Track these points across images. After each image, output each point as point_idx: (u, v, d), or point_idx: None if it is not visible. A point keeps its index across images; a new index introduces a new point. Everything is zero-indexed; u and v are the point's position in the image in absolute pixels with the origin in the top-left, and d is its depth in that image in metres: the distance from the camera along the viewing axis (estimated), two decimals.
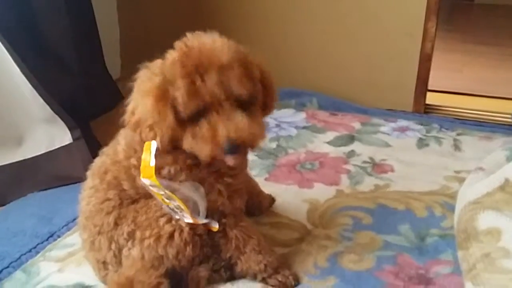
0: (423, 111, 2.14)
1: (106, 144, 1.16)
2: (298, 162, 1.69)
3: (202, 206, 1.04)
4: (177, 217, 1.06)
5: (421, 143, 1.80)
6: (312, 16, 2.19)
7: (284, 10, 2.22)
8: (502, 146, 1.53)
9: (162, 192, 0.99)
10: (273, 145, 1.81)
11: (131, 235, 1.06)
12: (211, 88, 0.92)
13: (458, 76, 2.66)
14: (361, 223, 1.34)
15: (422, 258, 1.20)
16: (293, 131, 1.91)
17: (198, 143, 0.96)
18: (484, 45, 3.29)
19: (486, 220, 1.18)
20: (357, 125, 1.95)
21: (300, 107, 2.15)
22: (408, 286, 1.12)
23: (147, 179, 0.96)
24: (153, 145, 0.97)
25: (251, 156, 1.43)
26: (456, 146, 1.76)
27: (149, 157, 0.96)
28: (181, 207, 1.01)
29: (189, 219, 1.04)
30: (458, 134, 1.85)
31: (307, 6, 2.18)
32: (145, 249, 1.05)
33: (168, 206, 1.04)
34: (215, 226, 1.08)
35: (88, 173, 1.15)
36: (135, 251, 1.06)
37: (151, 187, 0.98)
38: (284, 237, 1.29)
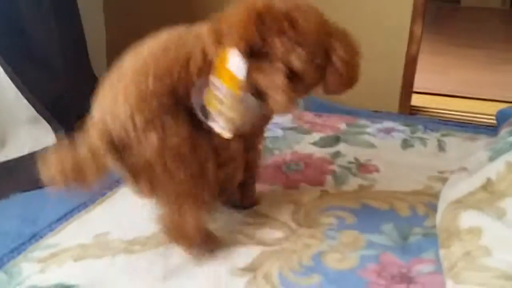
0: (408, 112, 2.16)
1: None
2: (284, 163, 1.69)
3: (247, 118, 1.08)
4: (209, 122, 1.07)
5: (406, 144, 1.81)
6: None
7: None
8: (485, 146, 1.54)
9: (221, 96, 1.02)
10: None
11: None
12: None
13: (444, 78, 2.68)
14: (345, 222, 1.35)
15: (405, 257, 1.21)
16: (279, 132, 1.91)
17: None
18: (469, 47, 3.32)
19: (468, 219, 1.19)
20: (342, 126, 1.96)
21: None
22: (390, 285, 1.12)
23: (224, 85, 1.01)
24: (236, 55, 0.99)
25: None
26: (440, 147, 1.78)
27: (234, 67, 1.00)
28: (225, 113, 1.03)
29: (221, 129, 1.06)
30: (442, 135, 1.86)
31: None
32: None
33: (212, 108, 1.05)
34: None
35: None
36: None
37: (214, 85, 1.02)
38: (269, 236, 1.29)
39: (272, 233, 1.31)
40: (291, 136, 1.89)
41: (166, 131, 1.04)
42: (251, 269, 1.18)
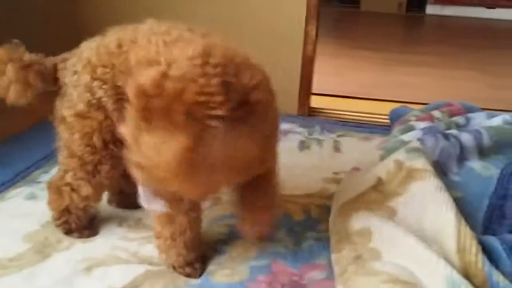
0: (307, 114, 2.13)
1: None
2: None
3: None
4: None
5: (303, 146, 1.77)
6: (192, 19, 2.11)
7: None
8: (377, 145, 1.54)
9: None
10: None
11: None
12: None
13: (342, 80, 2.70)
14: (236, 231, 1.27)
15: (297, 264, 1.16)
16: None
17: None
18: (367, 50, 3.40)
19: (358, 220, 1.16)
20: None
21: None
22: None
23: None
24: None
25: None
26: (336, 148, 1.76)
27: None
28: None
29: None
30: (338, 136, 1.85)
31: (190, 8, 2.10)
32: None
33: None
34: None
35: None
36: None
37: None
38: (156, 254, 1.17)
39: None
40: None
41: None
42: None
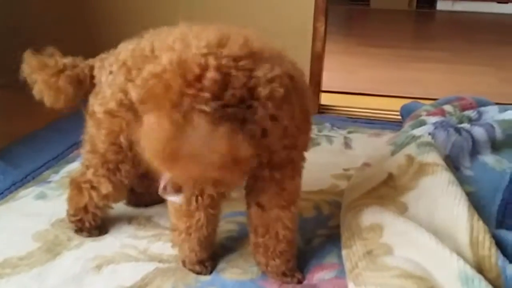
0: (317, 111, 2.12)
1: None
2: None
3: None
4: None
5: (313, 142, 1.76)
6: (202, 15, 2.11)
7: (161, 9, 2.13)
8: (388, 141, 1.52)
9: None
10: None
11: None
12: None
13: (353, 77, 2.69)
14: (246, 229, 1.25)
15: (307, 262, 1.14)
16: None
17: None
18: (377, 47, 3.38)
19: (369, 216, 1.14)
20: None
21: None
22: None
23: None
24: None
25: None
26: (347, 144, 1.75)
27: None
28: None
29: None
30: (349, 132, 1.84)
31: (198, 5, 2.10)
32: None
33: None
34: None
35: None
36: None
37: None
38: (166, 251, 1.18)
39: (167, 248, 1.18)
40: None
41: None
42: (140, 286, 1.06)
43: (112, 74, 1.09)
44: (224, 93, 0.73)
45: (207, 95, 0.72)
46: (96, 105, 1.11)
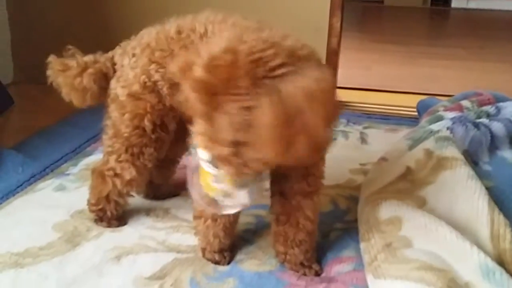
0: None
1: None
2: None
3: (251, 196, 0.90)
4: (210, 207, 0.92)
5: None
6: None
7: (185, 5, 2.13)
8: (405, 136, 1.52)
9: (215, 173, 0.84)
10: None
11: None
12: None
13: (368, 73, 2.68)
14: (264, 221, 1.26)
15: (325, 255, 1.14)
16: None
17: None
18: (392, 44, 3.37)
19: (387, 209, 1.14)
20: None
21: None
22: (309, 285, 1.05)
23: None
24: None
25: None
26: (363, 139, 1.74)
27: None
28: (228, 192, 0.88)
29: (230, 209, 0.93)
30: (364, 128, 1.84)
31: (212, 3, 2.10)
32: None
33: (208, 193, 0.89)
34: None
35: None
36: None
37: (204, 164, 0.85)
38: (185, 242, 1.18)
39: (185, 239, 1.19)
40: None
41: None
42: (159, 277, 1.07)
43: (135, 56, 1.09)
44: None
45: (271, 51, 0.72)
46: (119, 88, 1.11)
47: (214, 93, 0.72)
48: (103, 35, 2.18)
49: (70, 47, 1.16)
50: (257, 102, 0.70)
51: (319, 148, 0.76)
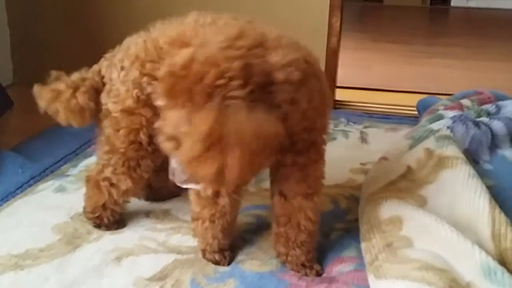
0: (332, 107, 2.11)
1: None
2: None
3: None
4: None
5: (328, 137, 1.75)
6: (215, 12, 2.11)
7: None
8: (405, 135, 1.51)
9: None
10: None
11: None
12: None
13: (367, 73, 2.68)
14: (264, 221, 1.26)
15: (326, 255, 1.14)
16: None
17: None
18: (392, 43, 3.36)
19: (388, 209, 1.14)
20: None
21: None
22: (310, 286, 1.05)
23: None
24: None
25: None
26: (363, 139, 1.74)
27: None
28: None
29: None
30: (365, 127, 1.83)
31: (211, 4, 2.10)
32: None
33: None
34: None
35: None
36: None
37: None
38: (185, 243, 1.18)
39: (186, 240, 1.19)
40: None
41: None
42: (160, 278, 1.07)
43: (124, 69, 1.06)
44: (249, 80, 0.74)
45: (238, 82, 0.74)
46: (110, 103, 1.07)
47: (173, 94, 0.77)
48: (103, 36, 2.18)
49: (52, 71, 1.12)
50: (202, 110, 0.74)
51: (232, 182, 0.79)
